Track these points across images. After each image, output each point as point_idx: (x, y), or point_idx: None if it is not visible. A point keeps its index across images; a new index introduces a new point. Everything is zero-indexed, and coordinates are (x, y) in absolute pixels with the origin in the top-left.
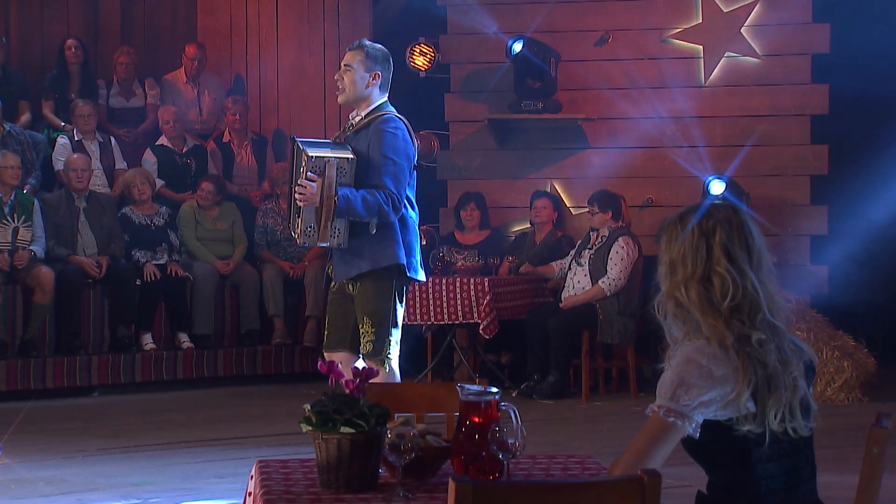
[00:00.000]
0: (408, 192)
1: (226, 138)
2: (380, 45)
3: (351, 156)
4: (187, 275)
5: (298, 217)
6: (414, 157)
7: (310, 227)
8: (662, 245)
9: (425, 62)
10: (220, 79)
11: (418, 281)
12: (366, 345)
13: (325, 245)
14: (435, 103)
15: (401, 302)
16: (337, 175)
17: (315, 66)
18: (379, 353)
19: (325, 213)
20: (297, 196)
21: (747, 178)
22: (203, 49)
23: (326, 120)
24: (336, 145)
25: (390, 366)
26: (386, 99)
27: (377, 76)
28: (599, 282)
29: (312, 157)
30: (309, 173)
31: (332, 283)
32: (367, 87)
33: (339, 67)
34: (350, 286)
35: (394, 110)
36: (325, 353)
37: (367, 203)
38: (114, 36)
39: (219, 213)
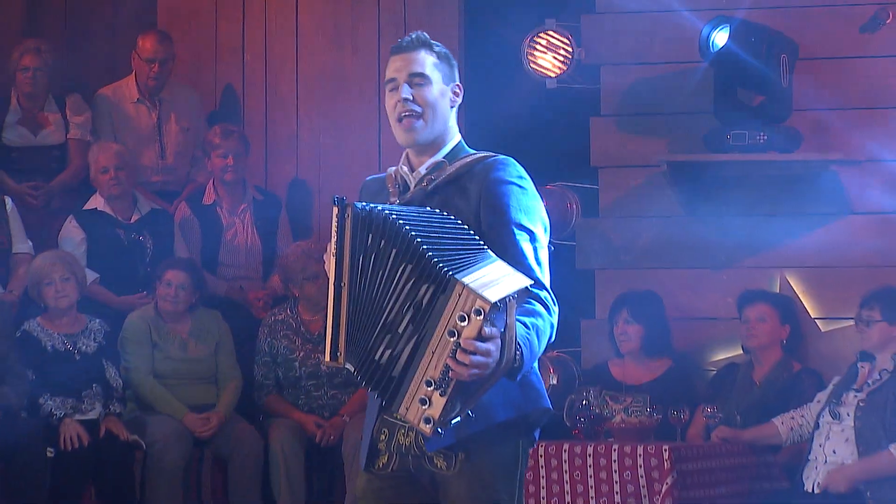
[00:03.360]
0: None
1: (208, 198)
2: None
3: (529, 282)
4: (136, 439)
5: (439, 394)
6: (548, 228)
7: (454, 410)
8: None
9: (557, 63)
10: (198, 94)
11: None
12: None
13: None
14: (572, 135)
15: (521, 487)
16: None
17: (361, 69)
18: None
19: (482, 387)
20: (460, 368)
21: None
22: (168, 42)
23: (383, 156)
24: (471, 245)
25: None
26: (459, 135)
27: (459, 92)
28: (891, 448)
29: (495, 302)
30: (487, 328)
31: (386, 459)
32: (449, 113)
33: (397, 78)
34: (441, 461)
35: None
36: None
37: (541, 335)
38: (12, 22)
39: (192, 329)
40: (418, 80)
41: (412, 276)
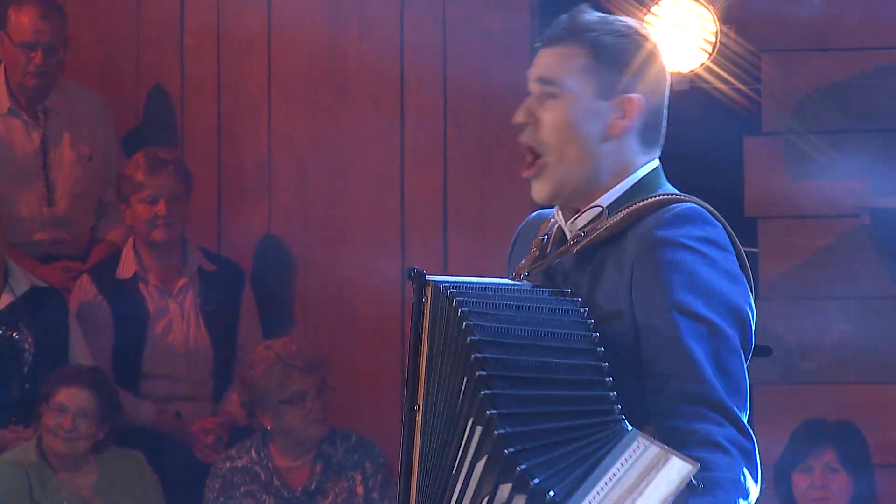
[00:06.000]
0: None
1: (126, 269)
2: (626, 22)
3: (690, 469)
4: None
5: None
6: (751, 316)
7: None
8: None
9: (690, 50)
10: (108, 101)
11: None
12: None
13: None
14: (713, 166)
15: None
16: None
17: (373, 61)
18: None
19: None
20: None
21: None
22: (58, 17)
23: (407, 194)
24: (594, 404)
25: None
26: (657, 163)
27: (635, 109)
28: None
29: None
30: None
31: None
32: (606, 139)
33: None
34: None
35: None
36: None
37: None
38: None
39: (99, 483)
40: (548, 89)
41: (490, 470)
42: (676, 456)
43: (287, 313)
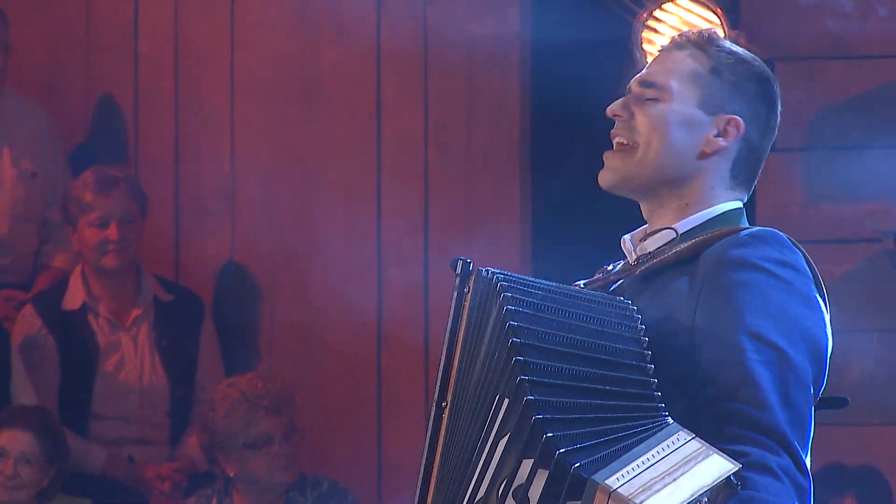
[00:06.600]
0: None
1: (73, 299)
2: (755, 56)
3: (731, 468)
4: None
5: None
6: (827, 348)
7: None
8: None
9: None
10: (53, 113)
11: None
12: None
13: None
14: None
15: None
16: None
17: (347, 68)
18: None
19: None
20: None
21: None
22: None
23: (384, 215)
24: (641, 397)
25: None
26: (741, 205)
27: (732, 130)
28: None
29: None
30: None
31: None
32: (698, 154)
33: (630, 87)
34: None
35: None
36: None
37: None
38: None
39: None
40: (650, 92)
41: (514, 443)
42: (718, 453)
43: (252, 348)
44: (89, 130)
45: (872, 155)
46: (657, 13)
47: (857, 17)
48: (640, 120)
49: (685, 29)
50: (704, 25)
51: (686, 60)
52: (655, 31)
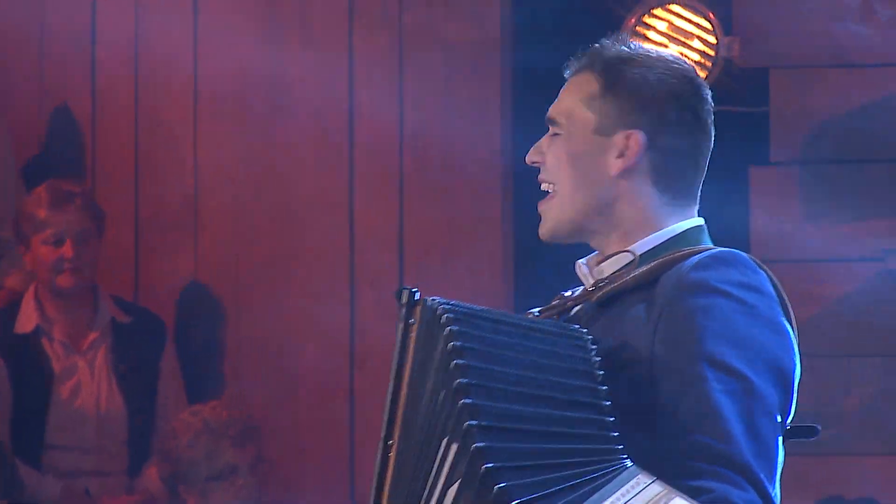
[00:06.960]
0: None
1: (26, 322)
2: (661, 55)
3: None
4: None
5: None
6: (794, 374)
7: None
8: None
9: (687, 63)
10: (1, 124)
11: None
12: None
13: None
14: (722, 202)
15: None
16: None
17: (317, 75)
18: None
19: None
20: None
21: None
22: None
23: (357, 231)
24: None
25: None
26: (701, 222)
27: (634, 148)
28: None
29: None
30: None
31: None
32: (610, 179)
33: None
34: None
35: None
36: None
37: None
38: None
39: None
40: (553, 129)
41: (463, 492)
42: (680, 496)
43: (216, 372)
44: (43, 143)
45: (873, 169)
46: (646, 19)
47: (856, 23)
48: (550, 161)
49: (675, 36)
50: (697, 32)
51: (582, 84)
52: (646, 37)
